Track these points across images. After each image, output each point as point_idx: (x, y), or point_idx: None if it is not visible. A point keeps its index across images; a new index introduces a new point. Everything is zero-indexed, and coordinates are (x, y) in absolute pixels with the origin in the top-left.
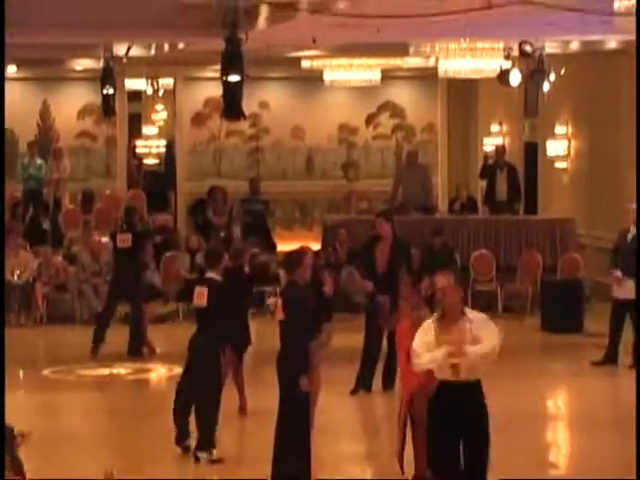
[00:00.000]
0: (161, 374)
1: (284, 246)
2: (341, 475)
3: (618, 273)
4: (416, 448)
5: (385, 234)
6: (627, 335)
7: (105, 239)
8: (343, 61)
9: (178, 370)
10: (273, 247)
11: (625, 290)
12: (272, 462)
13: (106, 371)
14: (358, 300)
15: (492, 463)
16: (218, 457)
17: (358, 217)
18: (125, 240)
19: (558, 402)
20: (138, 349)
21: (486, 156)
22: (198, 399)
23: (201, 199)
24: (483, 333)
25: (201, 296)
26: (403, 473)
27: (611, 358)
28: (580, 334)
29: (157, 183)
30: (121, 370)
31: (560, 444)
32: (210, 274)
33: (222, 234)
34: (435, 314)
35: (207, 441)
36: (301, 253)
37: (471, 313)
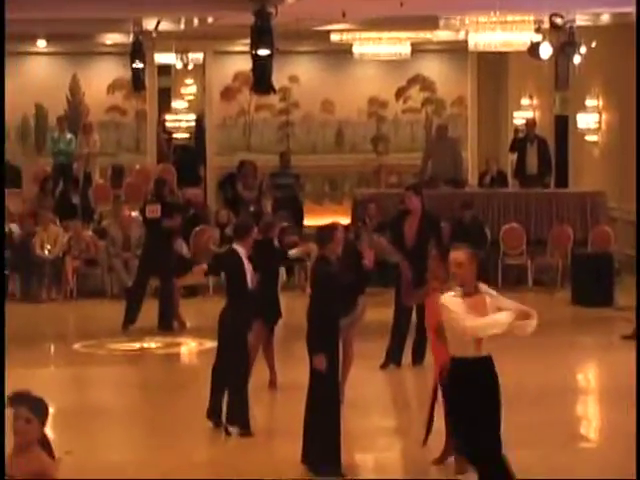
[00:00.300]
0: (191, 348)
1: (314, 220)
2: (371, 450)
3: None
4: (446, 422)
5: (414, 208)
6: None
7: (135, 213)
8: (372, 34)
9: (209, 344)
10: (303, 221)
11: None
12: (302, 436)
13: (137, 345)
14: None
15: (525, 435)
16: (249, 431)
17: (388, 191)
18: (154, 210)
19: (588, 376)
20: (168, 323)
21: (516, 129)
22: (227, 373)
23: (231, 173)
24: (505, 306)
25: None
26: (425, 444)
27: None
28: (610, 308)
29: (187, 157)
30: (152, 344)
31: (590, 417)
32: (236, 246)
33: (252, 208)
34: (457, 289)
35: (237, 416)
36: (332, 228)
37: (484, 287)
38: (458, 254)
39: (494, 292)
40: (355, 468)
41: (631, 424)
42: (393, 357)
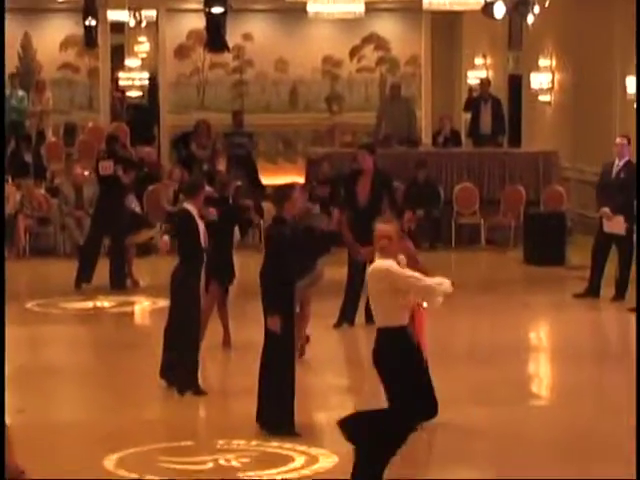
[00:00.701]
0: (145, 307)
1: (268, 180)
2: (325, 408)
3: (607, 209)
4: None
5: (367, 167)
6: (610, 268)
7: (87, 172)
8: None
9: (162, 303)
10: (258, 180)
11: (615, 225)
12: (257, 395)
13: (90, 304)
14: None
15: (476, 393)
16: (199, 391)
17: (341, 150)
18: (107, 167)
19: (540, 334)
20: (121, 282)
21: (471, 89)
22: (179, 332)
23: (184, 132)
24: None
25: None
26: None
27: (593, 291)
28: (562, 267)
29: (140, 116)
30: (105, 303)
31: (542, 375)
32: (187, 205)
33: (205, 167)
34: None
35: (186, 377)
36: (289, 188)
37: (403, 261)
38: (386, 227)
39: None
40: (309, 426)
41: (582, 382)
42: (346, 316)
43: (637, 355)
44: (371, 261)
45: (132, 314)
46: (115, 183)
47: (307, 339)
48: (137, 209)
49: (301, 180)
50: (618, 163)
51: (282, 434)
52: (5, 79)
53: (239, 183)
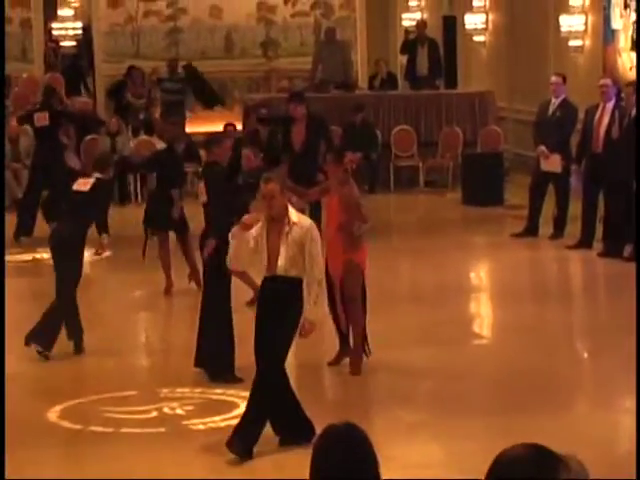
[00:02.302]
0: (84, 258)
1: (204, 127)
2: None
3: (543, 148)
4: (340, 322)
5: (299, 115)
6: (547, 207)
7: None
8: None
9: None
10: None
11: (551, 163)
12: (197, 340)
13: (29, 257)
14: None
15: (419, 334)
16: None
17: (278, 96)
18: (42, 118)
19: (481, 274)
20: None
21: (407, 31)
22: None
23: (119, 81)
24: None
25: (84, 184)
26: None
27: (532, 229)
28: (501, 207)
29: (75, 66)
30: (44, 255)
31: (483, 315)
32: (97, 174)
33: (142, 116)
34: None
35: (42, 335)
36: (221, 133)
37: (296, 217)
38: (271, 186)
39: (307, 224)
40: (252, 371)
41: (521, 320)
42: None
43: (637, 307)
44: (317, 201)
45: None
46: (51, 136)
47: None
48: (74, 162)
49: (238, 126)
50: (554, 101)
51: (223, 379)
52: (5, 79)
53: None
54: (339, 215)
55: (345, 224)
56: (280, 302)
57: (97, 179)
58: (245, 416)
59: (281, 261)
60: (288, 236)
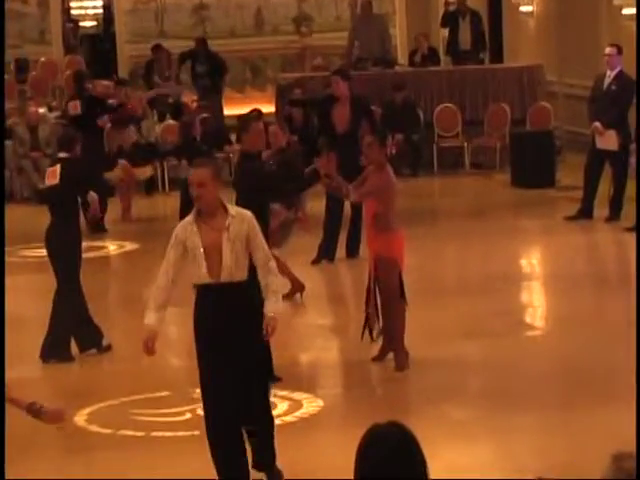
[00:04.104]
0: (110, 251)
1: (235, 110)
2: (307, 349)
3: (598, 124)
4: (384, 317)
5: (342, 94)
6: (603, 187)
7: (42, 110)
8: None
9: (129, 247)
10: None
11: (607, 140)
12: None
13: None
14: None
15: (467, 326)
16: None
17: (313, 74)
18: (75, 107)
19: (532, 261)
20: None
21: (447, 3)
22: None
23: (145, 62)
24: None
25: (53, 174)
26: (373, 339)
27: (586, 212)
28: (552, 188)
29: (96, 47)
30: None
31: (535, 305)
32: (62, 154)
33: (170, 100)
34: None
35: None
36: (247, 119)
37: (233, 209)
38: (200, 172)
39: (246, 215)
40: (291, 370)
41: (578, 310)
42: (326, 252)
43: (637, 280)
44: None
45: (100, 259)
46: (84, 122)
47: (303, 287)
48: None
49: (271, 109)
50: (609, 74)
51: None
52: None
53: (205, 115)
54: (373, 205)
55: (379, 213)
56: (240, 319)
57: (63, 163)
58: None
59: (226, 262)
60: (230, 231)
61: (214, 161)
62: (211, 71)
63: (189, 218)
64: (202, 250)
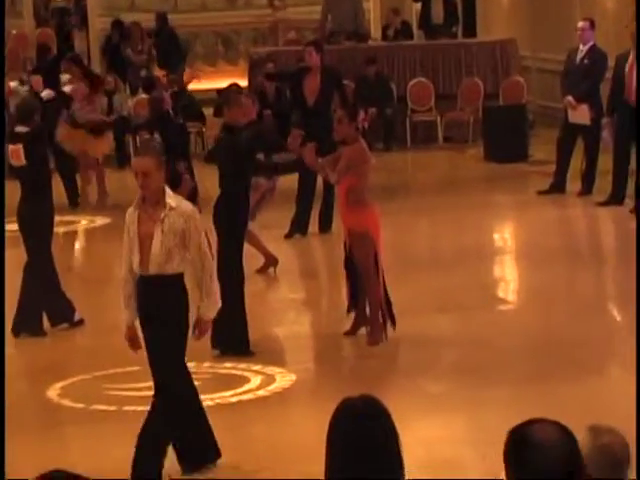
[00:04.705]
0: (81, 226)
1: (208, 84)
2: (280, 323)
3: (570, 98)
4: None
5: (314, 64)
6: (575, 162)
7: (14, 83)
8: None
9: (101, 221)
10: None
11: (580, 115)
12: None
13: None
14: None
15: (440, 300)
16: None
17: (286, 48)
18: (37, 83)
19: (505, 235)
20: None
21: None
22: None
23: (108, 36)
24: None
25: (17, 155)
26: (349, 311)
27: (558, 186)
28: (525, 162)
29: (66, 20)
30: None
31: (509, 279)
32: (20, 128)
33: (142, 73)
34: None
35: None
36: (236, 92)
37: (175, 201)
38: (143, 161)
39: (187, 209)
40: (264, 344)
41: (549, 283)
42: (298, 226)
43: (637, 260)
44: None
45: (70, 234)
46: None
47: (276, 261)
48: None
49: (244, 83)
50: (582, 49)
51: (237, 354)
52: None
53: (176, 89)
54: (347, 179)
55: (352, 187)
56: (158, 309)
57: (24, 142)
58: (141, 446)
59: (154, 254)
60: (164, 224)
61: (158, 148)
62: (169, 49)
63: (134, 203)
64: (137, 239)
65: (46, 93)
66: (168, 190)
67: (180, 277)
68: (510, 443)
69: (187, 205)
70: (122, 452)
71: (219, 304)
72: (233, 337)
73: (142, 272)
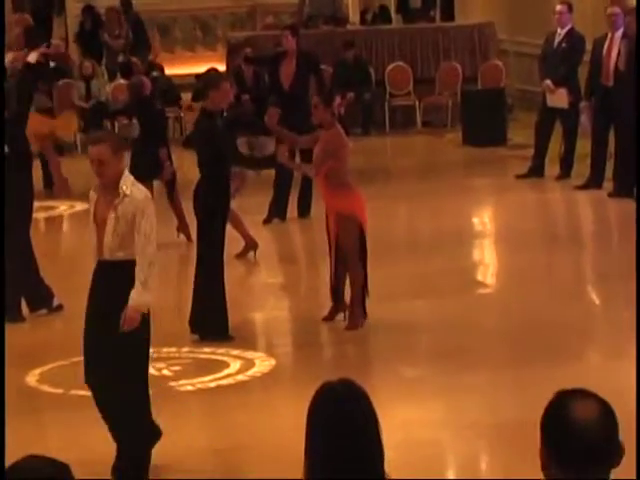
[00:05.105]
0: (61, 211)
1: (186, 69)
2: (260, 308)
3: (549, 82)
4: (337, 277)
5: (290, 48)
6: (553, 146)
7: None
8: None
9: (80, 206)
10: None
11: (558, 98)
12: (191, 303)
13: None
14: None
15: (419, 285)
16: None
17: (264, 33)
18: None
19: (484, 219)
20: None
21: None
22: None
23: (81, 22)
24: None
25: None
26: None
27: (537, 170)
28: (504, 146)
29: (43, 4)
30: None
31: (487, 262)
32: None
33: (120, 58)
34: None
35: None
36: (217, 77)
37: (129, 188)
38: (100, 149)
39: (142, 196)
40: (244, 329)
41: (527, 267)
42: (277, 211)
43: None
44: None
45: (50, 220)
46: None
47: (256, 245)
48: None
49: (222, 68)
50: (560, 32)
51: (216, 339)
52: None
53: (156, 74)
54: (325, 162)
55: (331, 171)
56: (110, 294)
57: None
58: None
59: (107, 240)
60: (117, 210)
61: (112, 134)
62: (134, 32)
63: (94, 186)
64: (94, 224)
65: (32, 56)
66: (126, 175)
67: (131, 264)
68: (549, 416)
69: (140, 191)
70: (101, 437)
71: (152, 295)
72: (212, 322)
73: (98, 256)
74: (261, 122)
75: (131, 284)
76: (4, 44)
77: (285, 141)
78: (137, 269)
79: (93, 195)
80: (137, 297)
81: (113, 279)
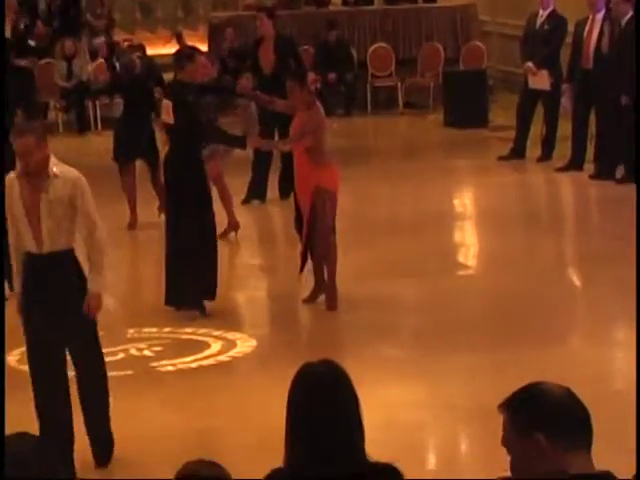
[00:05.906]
0: None
1: (168, 49)
2: (240, 289)
3: (530, 64)
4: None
5: (266, 31)
6: (535, 128)
7: None
8: None
9: None
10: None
11: (539, 80)
12: (165, 277)
13: None
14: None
15: (400, 266)
16: None
17: (246, 13)
18: None
19: (465, 201)
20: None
21: None
22: None
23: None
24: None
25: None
26: (301, 271)
27: (518, 152)
28: (485, 128)
29: None
30: None
31: (469, 244)
32: None
33: (102, 38)
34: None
35: None
36: (192, 50)
37: (59, 169)
38: (25, 140)
39: (72, 176)
40: (225, 310)
41: (508, 249)
42: (256, 192)
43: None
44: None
45: None
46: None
47: (237, 225)
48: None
49: (204, 48)
50: (542, 14)
51: (191, 307)
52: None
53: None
54: (302, 141)
55: (311, 148)
56: (59, 293)
57: None
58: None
59: (46, 228)
60: (49, 193)
61: (35, 124)
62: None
63: (15, 171)
64: (24, 212)
65: None
66: (53, 158)
67: (71, 253)
68: (534, 404)
69: (70, 171)
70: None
71: (108, 277)
72: (185, 292)
73: (38, 250)
74: (233, 87)
75: (77, 274)
76: (4, 42)
77: (262, 103)
78: (89, 253)
79: (14, 181)
80: (95, 284)
81: (58, 276)
